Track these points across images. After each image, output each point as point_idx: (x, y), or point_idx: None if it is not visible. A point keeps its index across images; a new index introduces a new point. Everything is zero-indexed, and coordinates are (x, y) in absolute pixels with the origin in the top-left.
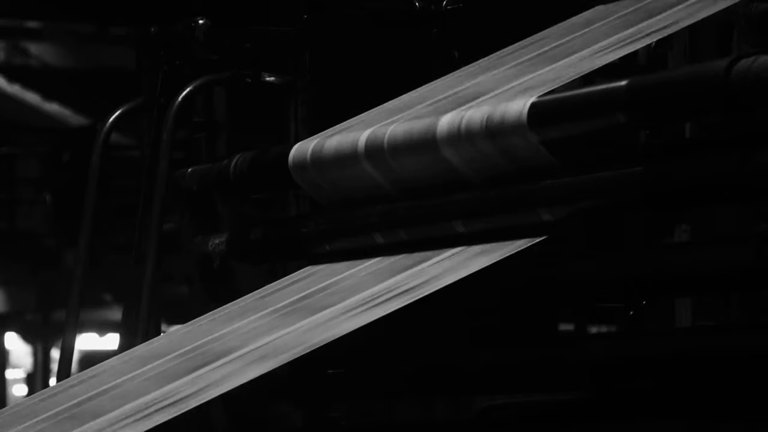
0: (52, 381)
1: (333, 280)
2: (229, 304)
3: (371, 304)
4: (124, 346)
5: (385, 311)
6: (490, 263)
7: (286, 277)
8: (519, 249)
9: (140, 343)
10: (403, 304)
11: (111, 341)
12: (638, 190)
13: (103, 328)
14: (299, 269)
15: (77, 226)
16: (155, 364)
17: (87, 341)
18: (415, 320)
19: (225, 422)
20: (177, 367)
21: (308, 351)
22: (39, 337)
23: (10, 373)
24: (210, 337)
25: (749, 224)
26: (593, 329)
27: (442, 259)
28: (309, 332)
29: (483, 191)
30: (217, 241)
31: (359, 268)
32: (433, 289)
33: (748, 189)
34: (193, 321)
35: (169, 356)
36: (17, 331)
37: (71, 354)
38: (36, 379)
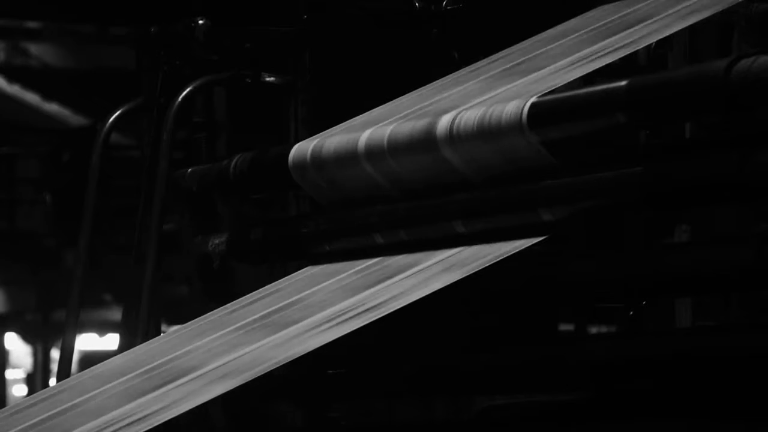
0: (52, 381)
1: (299, 296)
2: (196, 320)
3: (336, 321)
4: (124, 346)
5: (349, 329)
6: (489, 264)
7: (254, 293)
8: (519, 249)
9: (140, 343)
10: (366, 322)
11: (111, 341)
12: (638, 190)
13: (103, 328)
14: (299, 269)
15: (77, 226)
16: (119, 381)
17: (87, 341)
18: (415, 320)
19: (225, 422)
20: (140, 385)
21: (271, 369)
22: (39, 337)
23: (10, 373)
24: (173, 355)
25: (749, 224)
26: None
27: (441, 260)
28: (272, 350)
29: (483, 191)
30: (217, 241)
31: (326, 284)
32: (396, 308)
33: (748, 189)
34: (155, 338)
35: (133, 374)
36: (17, 331)
37: (71, 354)
38: (36, 380)
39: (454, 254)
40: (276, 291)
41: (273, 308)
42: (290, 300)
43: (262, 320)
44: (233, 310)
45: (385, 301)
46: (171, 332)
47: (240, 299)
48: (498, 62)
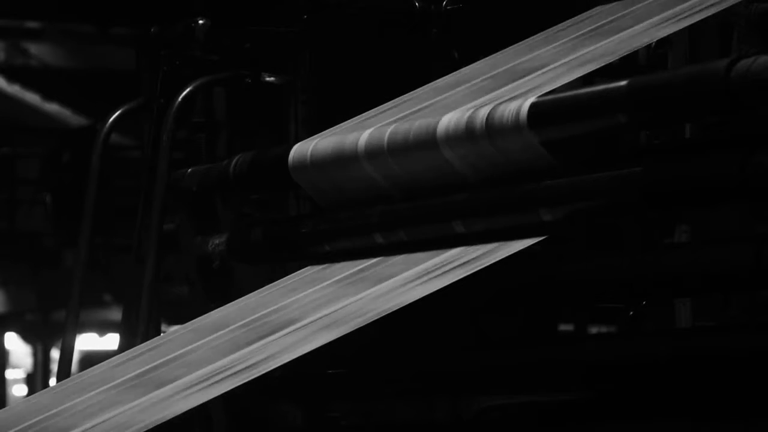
0: (52, 381)
1: (179, 352)
2: (78, 375)
3: (433, 274)
4: (124, 346)
5: (445, 283)
6: (489, 264)
7: (135, 348)
8: (519, 249)
9: (140, 343)
10: (399, 306)
11: (111, 341)
12: (638, 190)
13: (103, 328)
14: (299, 269)
15: (77, 226)
16: (219, 333)
17: (87, 341)
18: (416, 320)
19: (225, 422)
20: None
21: (373, 320)
22: (39, 337)
23: (10, 373)
24: (271, 308)
25: (749, 224)
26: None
27: (285, 335)
28: (373, 301)
29: (483, 191)
30: (217, 241)
31: (206, 340)
32: (430, 291)
33: (748, 189)
34: (247, 296)
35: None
36: (17, 331)
37: (71, 354)
38: (36, 380)
39: (334, 311)
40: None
41: (152, 365)
42: (169, 357)
43: (140, 377)
44: (112, 366)
45: (261, 361)
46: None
47: (117, 357)
48: (500, 60)
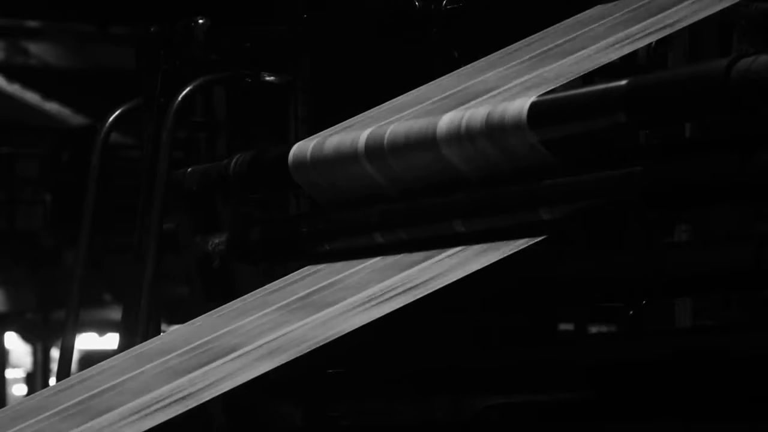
0: (52, 381)
1: (337, 278)
2: (233, 302)
3: (378, 300)
4: (123, 346)
5: (393, 307)
6: (489, 263)
7: (286, 277)
8: (519, 249)
9: (140, 342)
10: (410, 301)
11: (111, 341)
12: (638, 190)
13: (103, 327)
14: (299, 269)
15: (77, 226)
16: (160, 361)
17: (87, 341)
18: (416, 320)
19: (225, 422)
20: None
21: (314, 348)
22: (39, 337)
23: (9, 373)
24: (215, 335)
25: (749, 224)
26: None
27: (440, 260)
28: (316, 329)
29: (483, 191)
30: (217, 241)
31: (362, 266)
32: (440, 286)
33: (748, 189)
34: (193, 320)
35: (175, 353)
36: (17, 331)
37: (71, 354)
38: (36, 379)
39: (276, 338)
40: (308, 276)
41: (310, 290)
42: (326, 282)
43: (300, 301)
44: (266, 294)
45: (427, 281)
46: (215, 312)
47: (265, 286)
48: (499, 60)
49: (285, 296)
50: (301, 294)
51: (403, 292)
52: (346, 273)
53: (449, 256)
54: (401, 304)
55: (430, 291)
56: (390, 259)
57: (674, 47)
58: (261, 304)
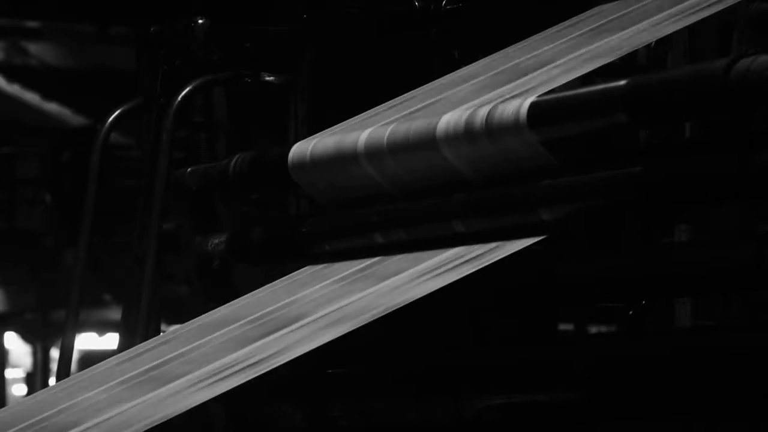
0: (52, 380)
1: (185, 349)
2: (81, 373)
3: (218, 377)
4: (123, 346)
5: (232, 385)
6: (489, 263)
7: (140, 345)
8: (519, 249)
9: (139, 342)
10: (249, 378)
11: (110, 341)
12: (638, 190)
13: (102, 327)
14: (299, 269)
15: (77, 226)
16: (223, 331)
17: (87, 341)
18: (416, 320)
19: (225, 422)
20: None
21: (380, 316)
22: (39, 337)
23: (9, 373)
24: (280, 304)
25: (749, 224)
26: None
27: (292, 331)
28: (381, 297)
29: (483, 191)
30: (217, 240)
31: (212, 336)
32: (430, 290)
33: (748, 189)
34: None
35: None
36: (17, 331)
37: (71, 354)
38: (36, 379)
39: (338, 308)
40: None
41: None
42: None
43: (145, 374)
44: (116, 363)
45: (270, 356)
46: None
47: (122, 354)
48: (501, 59)
49: (342, 269)
50: (357, 268)
51: (452, 268)
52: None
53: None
54: (455, 278)
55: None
56: (236, 332)
57: (674, 47)
58: (319, 277)
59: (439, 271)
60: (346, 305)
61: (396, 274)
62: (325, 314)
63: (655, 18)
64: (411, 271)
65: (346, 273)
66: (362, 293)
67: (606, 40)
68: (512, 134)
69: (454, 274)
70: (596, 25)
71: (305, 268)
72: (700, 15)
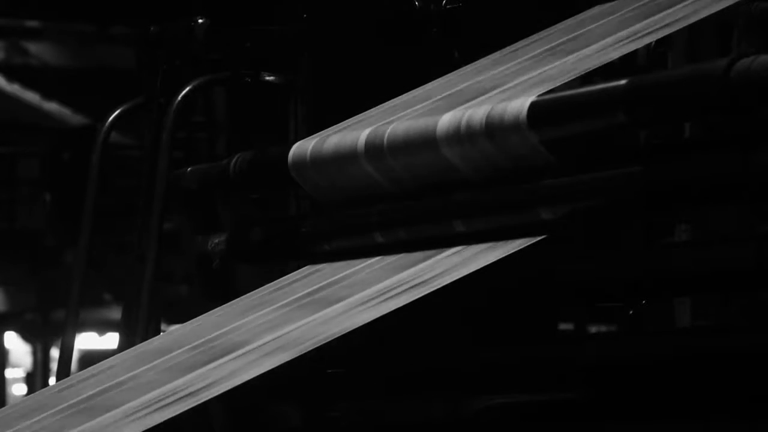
0: (52, 380)
1: (338, 276)
2: (237, 299)
3: (380, 299)
4: (123, 346)
5: (395, 306)
6: (489, 263)
7: (287, 276)
8: (519, 249)
9: (140, 342)
10: (399, 306)
11: (111, 341)
12: (638, 190)
13: (102, 327)
14: (299, 269)
15: (77, 226)
16: (165, 358)
17: (87, 341)
18: (415, 320)
19: (224, 422)
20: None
21: (320, 344)
22: (39, 337)
23: (9, 373)
24: (219, 332)
25: (749, 224)
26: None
27: (440, 260)
28: (320, 325)
29: (483, 191)
30: (216, 240)
31: (362, 266)
32: (430, 290)
33: (748, 189)
34: (195, 319)
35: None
36: (17, 331)
37: (71, 353)
38: (35, 379)
39: (279, 336)
40: (313, 273)
41: (317, 286)
42: (334, 278)
43: (308, 296)
44: (269, 293)
45: (432, 278)
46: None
47: (269, 284)
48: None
49: (287, 295)
50: (304, 292)
51: (406, 290)
52: (348, 272)
53: (449, 255)
54: (403, 303)
55: (432, 290)
56: (390, 259)
57: (674, 47)
58: (262, 303)
59: (434, 272)
60: (288, 333)
61: (339, 300)
62: (265, 343)
63: (601, 43)
64: (353, 298)
65: (292, 298)
66: (302, 321)
67: (553, 64)
68: (512, 134)
69: (451, 275)
70: (544, 48)
71: (258, 289)
72: (650, 38)
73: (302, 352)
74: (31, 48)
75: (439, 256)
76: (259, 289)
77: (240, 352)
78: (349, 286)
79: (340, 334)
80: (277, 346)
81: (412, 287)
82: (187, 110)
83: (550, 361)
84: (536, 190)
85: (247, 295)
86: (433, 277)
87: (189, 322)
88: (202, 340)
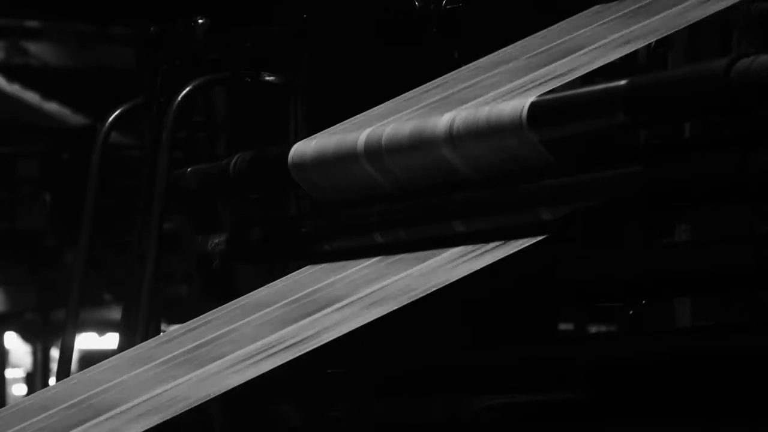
0: (52, 380)
1: (225, 330)
2: (119, 355)
3: (261, 356)
4: (123, 346)
5: (275, 364)
6: (489, 263)
7: (176, 328)
8: (519, 249)
9: (140, 342)
10: (400, 305)
11: (110, 341)
12: (638, 190)
13: (102, 327)
14: (299, 269)
15: (77, 226)
16: (265, 311)
17: (87, 341)
18: (415, 320)
19: (224, 422)
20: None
21: (414, 299)
22: (39, 337)
23: (9, 373)
24: (319, 285)
25: (749, 224)
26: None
27: (441, 259)
28: (424, 276)
29: (483, 191)
30: (216, 240)
31: (254, 316)
32: (431, 290)
33: (748, 189)
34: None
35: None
36: (17, 331)
37: (71, 353)
38: (36, 379)
39: (377, 289)
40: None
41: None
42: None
43: (187, 354)
44: (154, 346)
45: (309, 336)
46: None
47: (162, 335)
48: (497, 60)
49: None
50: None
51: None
52: (237, 324)
53: (444, 258)
54: (457, 277)
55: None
56: (275, 314)
57: (674, 47)
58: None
59: (446, 266)
60: (386, 286)
61: (431, 257)
62: (363, 296)
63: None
64: (433, 260)
65: (171, 355)
66: (402, 274)
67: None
68: (512, 134)
69: (451, 275)
70: (631, 8)
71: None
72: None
73: (399, 306)
74: (31, 48)
75: (436, 258)
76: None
77: (339, 305)
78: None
79: (435, 289)
80: (374, 300)
81: (292, 344)
82: (187, 110)
83: (550, 361)
84: (536, 190)
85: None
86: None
87: (283, 278)
88: (300, 294)
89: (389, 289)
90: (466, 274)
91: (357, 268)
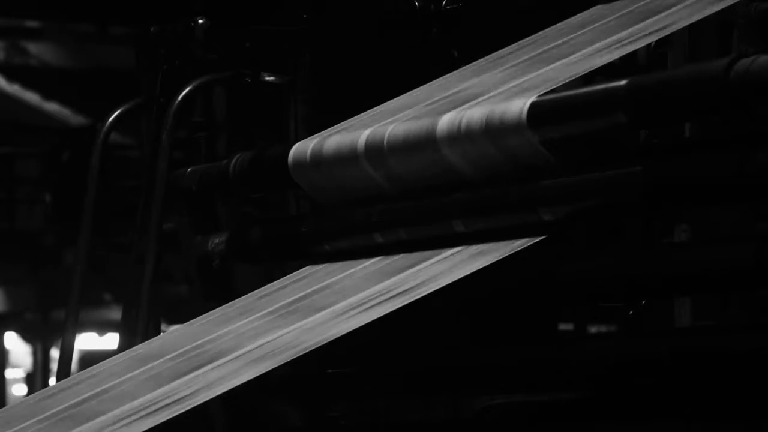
0: (52, 381)
1: (331, 280)
2: (227, 305)
3: (369, 304)
4: (123, 346)
5: (383, 312)
6: (489, 263)
7: (284, 278)
8: (519, 249)
9: (140, 342)
10: (401, 305)
11: (111, 341)
12: (638, 190)
13: (102, 327)
14: (299, 269)
15: (77, 226)
16: (148, 366)
17: (87, 341)
18: (415, 320)
19: (224, 422)
20: (174, 368)
21: (305, 352)
22: (39, 337)
23: (9, 373)
24: (206, 338)
25: (749, 224)
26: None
27: (441, 260)
28: (306, 332)
29: (483, 191)
30: (216, 240)
31: (356, 269)
32: (432, 290)
33: (748, 189)
34: (188, 323)
35: (165, 358)
36: (17, 331)
37: (71, 354)
38: (35, 379)
39: (264, 343)
40: (303, 278)
41: (303, 293)
42: (320, 285)
43: (292, 305)
44: (262, 296)
45: (419, 285)
46: (202, 317)
47: (268, 286)
48: (499, 60)
49: (276, 300)
50: (292, 298)
51: (397, 295)
52: (339, 276)
53: (445, 258)
54: (395, 308)
55: (424, 294)
56: (384, 262)
57: (674, 47)
58: (251, 309)
59: (372, 303)
60: (273, 340)
61: (327, 307)
62: (250, 350)
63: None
64: (342, 304)
65: (277, 305)
66: (290, 327)
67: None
68: (512, 134)
69: (451, 276)
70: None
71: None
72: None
73: (285, 361)
74: (31, 48)
75: (432, 260)
76: (244, 296)
77: (224, 360)
78: (336, 293)
79: (323, 342)
80: (260, 354)
81: (403, 292)
82: (187, 110)
83: (550, 361)
84: (536, 190)
85: (232, 302)
86: (424, 281)
87: (176, 327)
88: (188, 347)
89: (273, 344)
90: (466, 274)
91: (247, 320)
